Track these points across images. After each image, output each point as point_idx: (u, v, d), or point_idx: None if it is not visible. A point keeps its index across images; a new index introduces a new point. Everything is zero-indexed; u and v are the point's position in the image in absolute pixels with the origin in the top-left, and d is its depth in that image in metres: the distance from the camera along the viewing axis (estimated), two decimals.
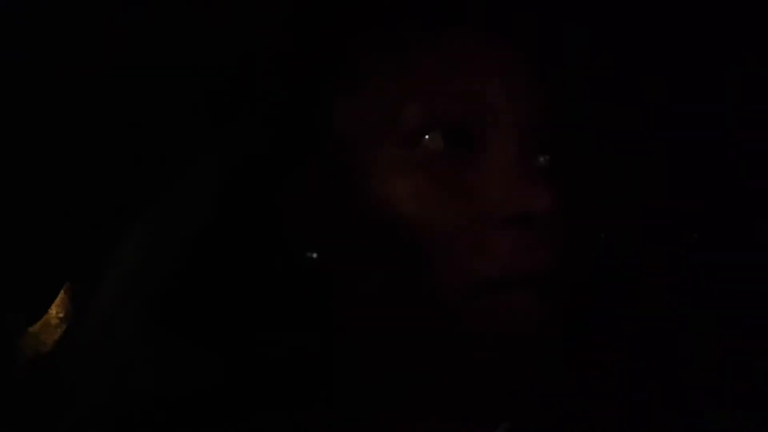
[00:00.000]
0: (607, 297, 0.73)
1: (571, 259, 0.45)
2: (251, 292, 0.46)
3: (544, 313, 0.42)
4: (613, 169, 0.60)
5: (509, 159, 0.43)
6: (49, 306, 0.59)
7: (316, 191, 0.46)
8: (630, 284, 0.72)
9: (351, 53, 0.47)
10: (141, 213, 0.49)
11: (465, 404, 0.45)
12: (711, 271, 0.66)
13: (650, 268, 0.72)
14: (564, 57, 0.51)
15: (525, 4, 0.49)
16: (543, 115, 0.46)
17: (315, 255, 0.46)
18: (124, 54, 0.44)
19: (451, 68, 0.44)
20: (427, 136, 0.43)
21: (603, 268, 0.72)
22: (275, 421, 0.45)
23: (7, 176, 0.46)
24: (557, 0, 0.51)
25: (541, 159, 0.47)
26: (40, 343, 0.69)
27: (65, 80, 0.44)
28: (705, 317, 0.65)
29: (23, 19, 0.40)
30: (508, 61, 0.46)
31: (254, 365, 0.44)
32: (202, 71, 0.49)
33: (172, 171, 0.50)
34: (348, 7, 0.48)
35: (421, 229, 0.42)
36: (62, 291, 0.69)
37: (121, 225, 0.50)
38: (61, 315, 0.68)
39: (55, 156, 0.47)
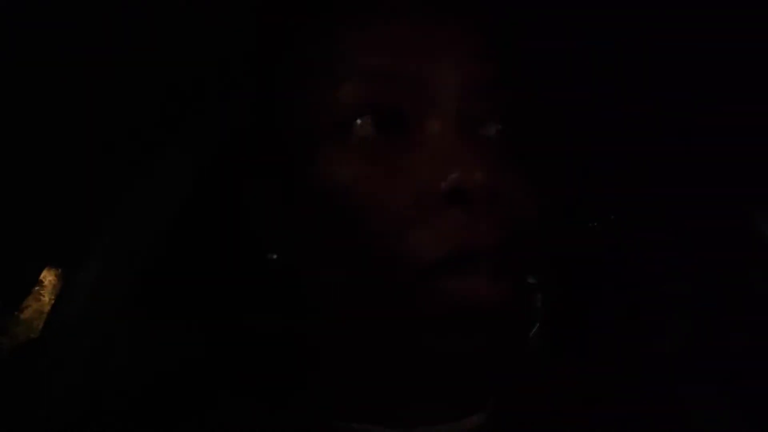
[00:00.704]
0: (601, 285, 0.73)
1: (534, 234, 0.44)
2: (221, 275, 0.46)
3: (497, 291, 0.40)
4: (577, 143, 0.59)
5: (444, 136, 0.42)
6: (28, 291, 0.59)
7: (272, 184, 0.46)
8: (624, 273, 0.72)
9: (292, 42, 0.46)
10: (117, 201, 0.50)
11: (436, 387, 0.45)
12: (707, 262, 0.65)
13: (645, 257, 0.72)
14: (516, 19, 0.50)
15: None
16: (490, 88, 0.44)
17: (276, 254, 0.46)
18: (93, 47, 0.44)
19: (379, 48, 0.43)
20: (358, 121, 0.42)
21: (597, 257, 0.72)
22: (247, 400, 0.45)
23: None
24: None
25: (493, 131, 0.45)
26: (32, 331, 0.69)
27: (40, 74, 0.44)
28: (700, 308, 0.64)
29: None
30: (444, 33, 0.44)
31: (225, 345, 0.44)
32: (169, 68, 0.49)
33: (145, 161, 0.50)
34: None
35: (363, 213, 0.41)
36: (55, 278, 0.70)
37: (98, 212, 0.50)
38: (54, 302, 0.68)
39: (32, 147, 0.48)
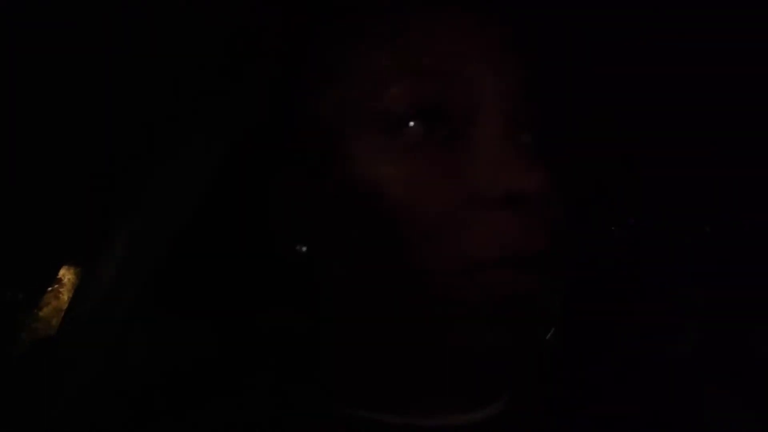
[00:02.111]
0: (617, 288, 0.72)
1: (566, 237, 0.44)
2: (239, 272, 0.46)
3: (542, 292, 0.41)
4: (608, 149, 0.59)
5: (495, 138, 0.42)
6: (46, 286, 0.60)
7: (300, 180, 0.46)
8: (641, 277, 0.71)
9: (327, 40, 0.46)
10: (135, 199, 0.50)
11: (454, 379, 0.45)
12: (720, 263, 0.65)
13: (662, 262, 0.71)
14: (553, 32, 0.50)
15: None
16: (530, 93, 0.44)
17: (304, 248, 0.46)
18: (109, 46, 0.45)
19: (429, 50, 0.43)
20: (411, 123, 0.41)
21: (611, 260, 0.71)
22: (261, 395, 0.45)
23: (3, 160, 0.48)
24: None
25: (529, 137, 0.45)
26: (51, 328, 0.70)
27: (56, 76, 0.45)
28: (713, 310, 0.64)
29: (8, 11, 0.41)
30: (491, 38, 0.44)
31: (242, 341, 0.45)
32: (187, 63, 0.50)
33: (162, 159, 0.51)
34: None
35: (409, 214, 0.41)
36: (74, 276, 0.71)
37: (116, 210, 0.50)
38: None
39: (51, 147, 0.49)
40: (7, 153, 0.47)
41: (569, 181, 0.46)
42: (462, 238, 0.40)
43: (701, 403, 0.51)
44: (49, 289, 0.70)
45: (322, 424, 0.45)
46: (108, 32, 0.44)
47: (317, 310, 0.47)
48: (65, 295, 0.72)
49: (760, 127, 0.59)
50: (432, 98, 0.42)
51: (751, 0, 0.47)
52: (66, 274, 0.73)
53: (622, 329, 0.61)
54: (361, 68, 0.43)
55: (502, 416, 0.46)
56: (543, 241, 0.41)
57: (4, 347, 0.54)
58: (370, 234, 0.42)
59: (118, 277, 0.51)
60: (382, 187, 0.41)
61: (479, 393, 0.46)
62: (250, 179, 0.48)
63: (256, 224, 0.48)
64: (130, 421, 0.47)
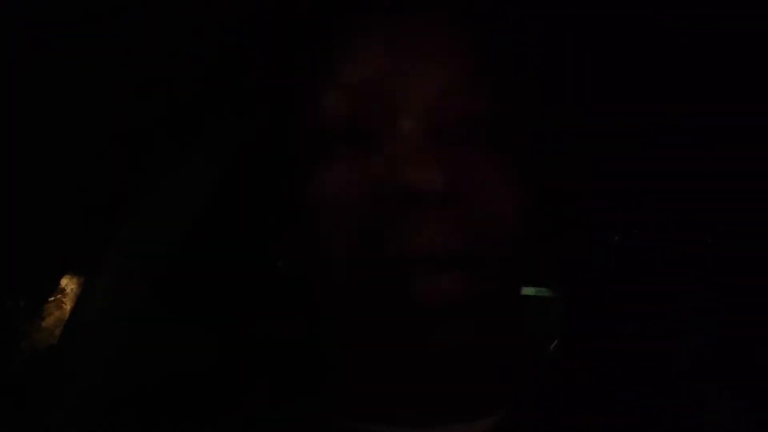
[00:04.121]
0: (619, 299, 0.72)
1: (499, 234, 0.43)
2: (235, 281, 0.47)
3: (459, 288, 0.40)
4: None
5: (406, 139, 0.42)
6: (48, 295, 0.60)
7: (278, 186, 0.48)
8: (642, 287, 0.71)
9: (293, 54, 0.48)
10: (135, 209, 0.51)
11: (445, 388, 0.45)
12: (723, 272, 0.64)
13: (664, 272, 0.71)
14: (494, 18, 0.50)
15: None
16: (463, 89, 0.44)
17: (281, 262, 0.47)
18: (114, 51, 0.45)
19: (346, 61, 0.45)
20: (334, 134, 0.43)
21: (613, 270, 0.71)
22: (259, 402, 0.45)
23: (6, 169, 0.48)
24: None
25: (469, 133, 0.44)
26: (53, 338, 0.70)
27: (62, 80, 0.46)
28: (716, 320, 0.63)
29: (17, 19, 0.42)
30: (413, 37, 0.45)
31: (242, 350, 0.45)
32: (187, 74, 0.51)
33: (166, 166, 0.51)
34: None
35: (337, 222, 0.42)
36: (77, 287, 0.71)
37: (116, 220, 0.51)
38: None
39: (55, 151, 0.49)
40: (10, 161, 0.47)
41: (530, 179, 0.46)
42: (375, 237, 0.41)
43: (703, 412, 0.51)
44: (52, 299, 0.71)
45: None
46: (101, 36, 0.45)
47: (314, 318, 0.47)
48: (68, 305, 0.72)
49: (760, 132, 0.59)
50: (356, 111, 0.43)
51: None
52: (69, 284, 0.73)
53: (624, 340, 0.61)
54: (307, 88, 0.46)
55: (502, 427, 0.46)
56: (458, 242, 0.41)
57: (6, 356, 0.54)
58: (317, 242, 0.43)
59: (119, 286, 0.51)
60: (312, 190, 0.43)
61: (478, 404, 0.46)
62: (244, 190, 0.49)
63: (250, 233, 0.48)
64: (129, 429, 0.47)
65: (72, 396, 0.49)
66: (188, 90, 0.51)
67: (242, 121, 0.53)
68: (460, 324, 0.41)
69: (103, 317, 0.50)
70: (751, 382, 0.55)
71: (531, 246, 0.46)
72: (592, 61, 0.53)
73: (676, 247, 0.70)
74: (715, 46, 0.53)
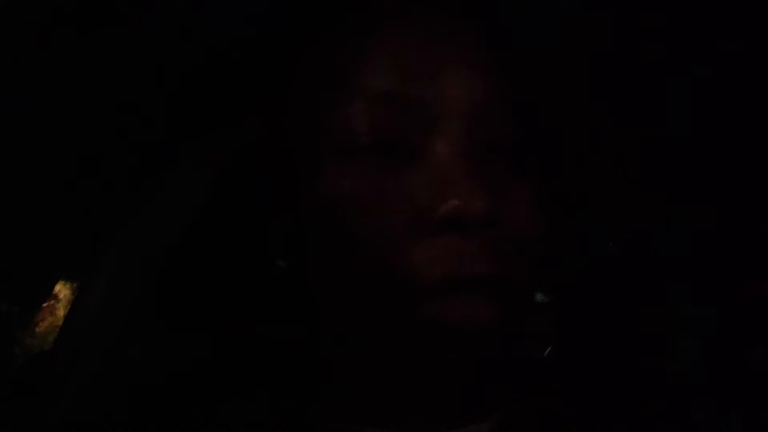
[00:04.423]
0: (613, 305, 0.72)
1: (527, 258, 0.43)
2: (232, 283, 0.46)
3: (491, 315, 0.40)
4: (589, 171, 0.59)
5: (446, 159, 0.41)
6: (41, 300, 0.60)
7: (281, 191, 0.48)
8: (636, 293, 0.71)
9: (304, 60, 0.47)
10: (129, 213, 0.51)
11: (440, 396, 0.45)
12: (719, 278, 0.65)
13: (658, 277, 0.71)
14: (529, 49, 0.50)
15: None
16: (497, 108, 0.44)
17: (282, 263, 0.47)
18: (111, 53, 0.45)
19: (383, 70, 0.43)
20: (368, 144, 0.42)
21: (608, 276, 0.72)
22: (257, 407, 0.45)
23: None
24: None
25: (501, 154, 0.44)
26: (46, 344, 0.70)
27: (56, 85, 0.46)
28: (712, 327, 0.64)
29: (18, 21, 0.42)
30: (449, 53, 0.44)
31: (237, 354, 0.45)
32: (184, 69, 0.51)
33: (161, 172, 0.51)
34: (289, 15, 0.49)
35: (363, 230, 0.41)
36: (70, 293, 0.71)
37: (110, 224, 0.51)
38: None
39: (46, 159, 0.49)
40: (4, 166, 0.47)
41: (553, 199, 0.47)
42: (406, 257, 0.40)
43: (697, 418, 0.51)
44: (45, 305, 0.71)
45: None
46: (99, 38, 0.45)
47: (311, 324, 0.47)
48: (61, 312, 0.72)
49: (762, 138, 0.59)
50: (387, 119, 0.42)
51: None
52: (62, 290, 0.73)
53: (619, 345, 0.62)
54: (326, 89, 0.44)
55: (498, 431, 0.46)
56: (490, 265, 0.40)
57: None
58: (333, 250, 0.43)
59: (113, 291, 0.51)
60: (338, 206, 0.42)
61: (472, 410, 0.46)
62: (241, 192, 0.49)
63: (248, 236, 0.48)
64: None
65: (65, 402, 0.48)
66: (189, 93, 0.51)
67: (243, 124, 0.52)
68: (485, 343, 0.41)
69: (97, 323, 0.50)
70: (745, 388, 0.55)
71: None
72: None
73: (670, 252, 0.70)
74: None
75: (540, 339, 0.77)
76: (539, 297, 0.76)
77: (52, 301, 0.71)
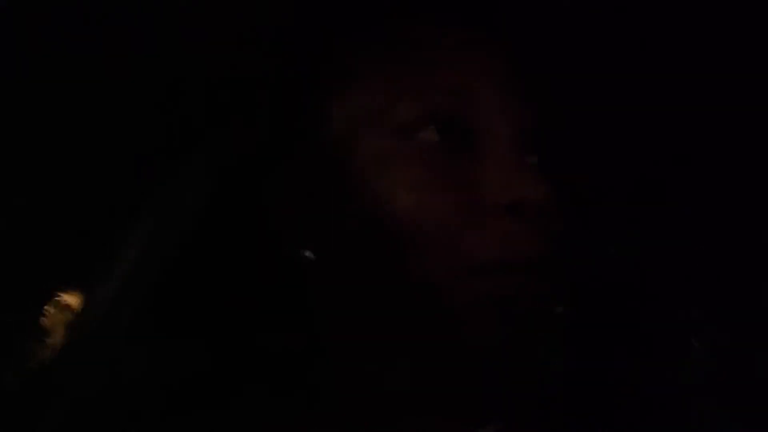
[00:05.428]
0: (620, 311, 0.71)
1: (563, 245, 0.46)
2: (239, 289, 0.46)
3: (540, 294, 0.44)
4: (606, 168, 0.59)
5: (505, 152, 0.45)
6: (45, 309, 0.60)
7: (307, 189, 0.47)
8: (644, 300, 0.70)
9: (340, 53, 0.48)
10: (134, 215, 0.50)
11: (458, 398, 0.45)
12: (718, 277, 0.64)
13: (666, 284, 0.70)
14: (557, 59, 0.51)
15: (515, 7, 0.50)
16: (533, 119, 0.48)
17: (310, 254, 0.47)
18: (116, 57, 0.45)
19: (443, 65, 0.46)
20: (423, 129, 0.45)
21: (609, 276, 0.71)
22: (259, 409, 0.45)
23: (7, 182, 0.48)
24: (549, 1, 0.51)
25: (531, 159, 0.49)
26: (52, 354, 0.70)
27: (59, 87, 0.46)
28: (721, 335, 0.63)
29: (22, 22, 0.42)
30: (499, 62, 0.47)
31: (240, 358, 0.45)
32: (195, 73, 0.50)
33: (165, 173, 0.51)
34: (336, 7, 0.49)
35: (415, 218, 0.43)
36: (75, 301, 0.71)
37: (114, 227, 0.51)
38: None
39: (49, 161, 0.49)
40: (6, 173, 0.47)
41: (568, 196, 0.48)
42: (464, 242, 0.43)
43: (705, 426, 0.51)
44: (48, 314, 0.70)
45: None
46: (108, 43, 0.45)
47: (316, 327, 0.47)
48: (65, 321, 0.72)
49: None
50: (445, 110, 0.44)
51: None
52: (75, 302, 0.73)
53: (627, 351, 0.61)
54: (378, 77, 0.46)
55: None
56: (540, 247, 0.44)
57: (11, 374, 0.53)
58: (377, 240, 0.44)
59: (115, 299, 0.50)
60: (392, 191, 0.44)
61: (478, 412, 0.46)
62: (254, 189, 0.48)
63: (258, 235, 0.48)
64: None
65: (66, 409, 0.48)
66: (195, 89, 0.51)
67: (246, 123, 0.52)
68: (532, 318, 0.44)
69: (99, 331, 0.49)
70: (756, 395, 0.55)
71: None
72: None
73: (677, 258, 0.69)
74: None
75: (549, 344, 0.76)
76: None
77: (56, 310, 0.70)
